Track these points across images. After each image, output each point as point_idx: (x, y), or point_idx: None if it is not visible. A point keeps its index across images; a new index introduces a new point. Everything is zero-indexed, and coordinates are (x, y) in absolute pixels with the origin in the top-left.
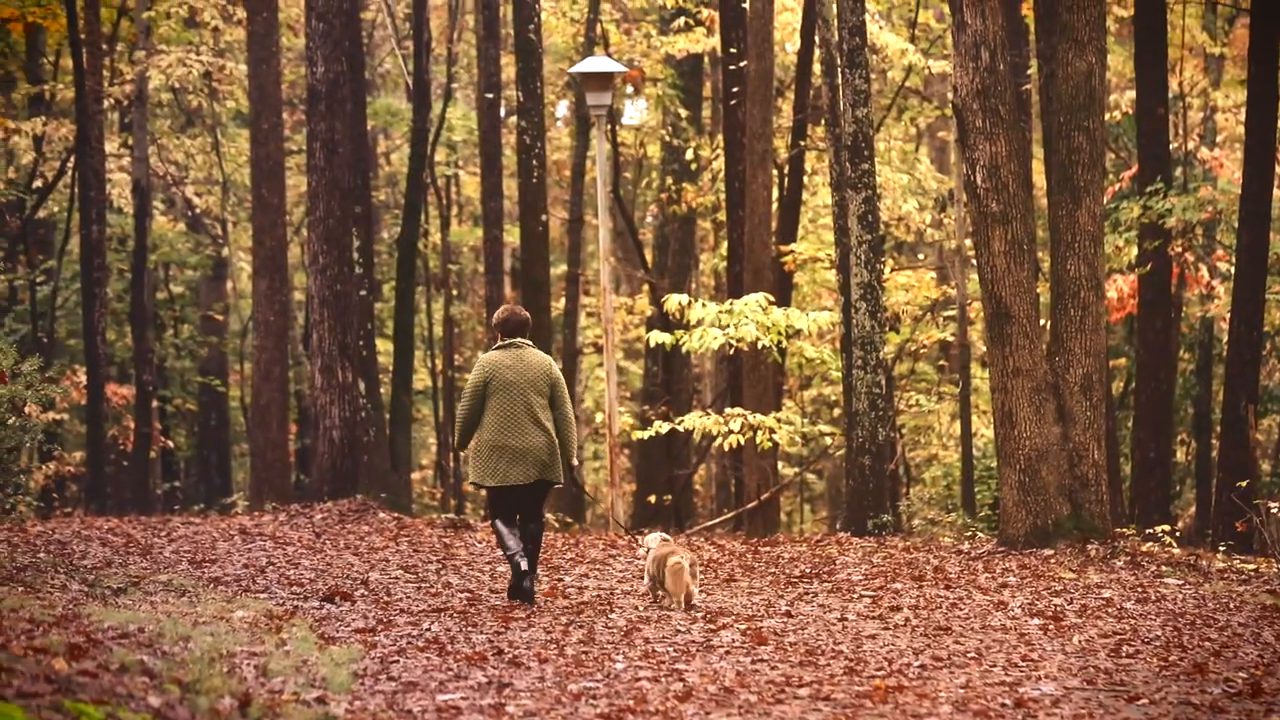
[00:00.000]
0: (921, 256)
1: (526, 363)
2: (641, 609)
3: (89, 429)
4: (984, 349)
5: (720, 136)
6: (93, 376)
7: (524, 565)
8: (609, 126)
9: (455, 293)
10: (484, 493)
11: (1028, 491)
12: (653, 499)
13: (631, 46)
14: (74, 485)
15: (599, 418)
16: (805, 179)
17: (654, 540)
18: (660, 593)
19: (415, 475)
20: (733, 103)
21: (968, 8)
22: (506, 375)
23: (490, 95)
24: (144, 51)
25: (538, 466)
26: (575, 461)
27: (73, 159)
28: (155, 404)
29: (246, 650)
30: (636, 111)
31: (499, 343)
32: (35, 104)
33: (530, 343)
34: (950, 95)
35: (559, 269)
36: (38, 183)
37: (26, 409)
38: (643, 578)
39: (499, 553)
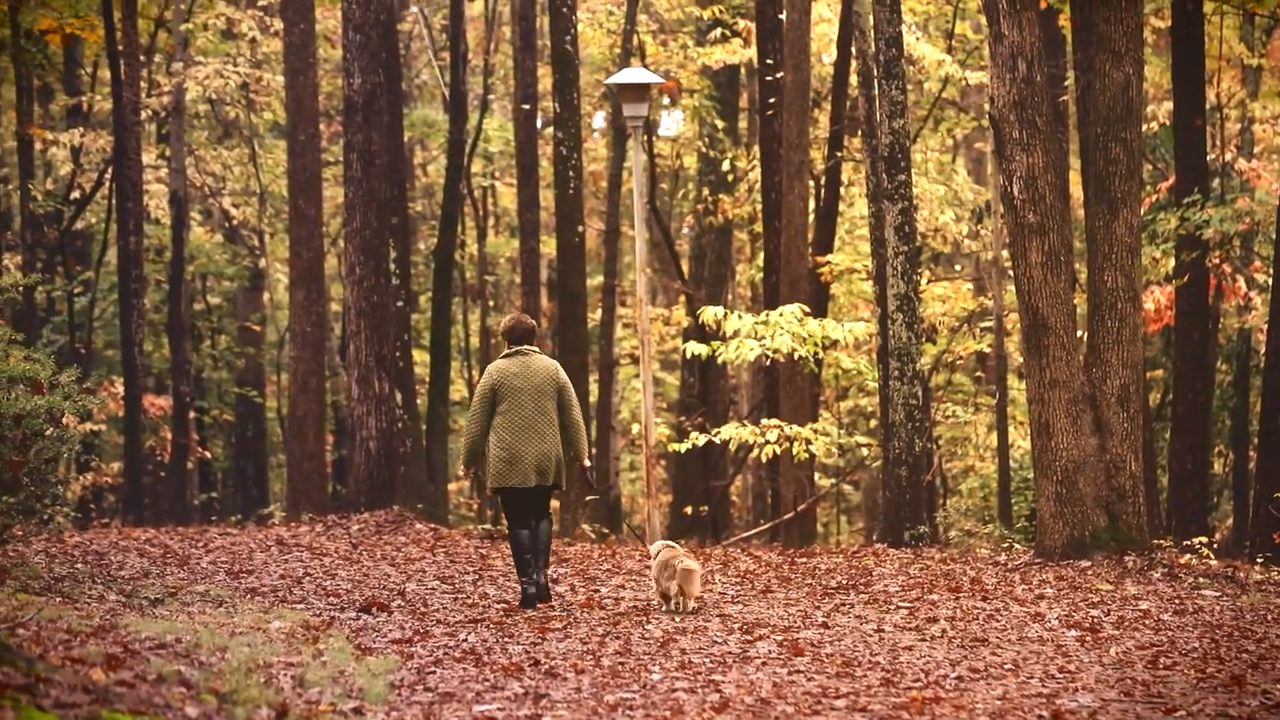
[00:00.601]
0: (958, 268)
1: (534, 369)
2: (677, 620)
3: (126, 440)
4: (1021, 360)
5: (757, 147)
6: (130, 387)
7: (532, 591)
8: (645, 138)
9: (492, 304)
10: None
11: (1065, 503)
12: (689, 510)
13: (668, 58)
14: (111, 496)
15: (635, 429)
16: (842, 190)
17: (657, 547)
18: (666, 595)
19: (451, 486)
20: (769, 114)
21: (1005, 19)
22: (515, 383)
23: (527, 106)
24: (181, 63)
25: (541, 472)
26: (588, 462)
27: (110, 170)
28: (192, 415)
29: (283, 661)
30: (673, 123)
31: (505, 351)
32: (73, 115)
33: (536, 349)
34: (987, 106)
35: (595, 280)
36: (75, 194)
37: (64, 420)
38: (651, 583)
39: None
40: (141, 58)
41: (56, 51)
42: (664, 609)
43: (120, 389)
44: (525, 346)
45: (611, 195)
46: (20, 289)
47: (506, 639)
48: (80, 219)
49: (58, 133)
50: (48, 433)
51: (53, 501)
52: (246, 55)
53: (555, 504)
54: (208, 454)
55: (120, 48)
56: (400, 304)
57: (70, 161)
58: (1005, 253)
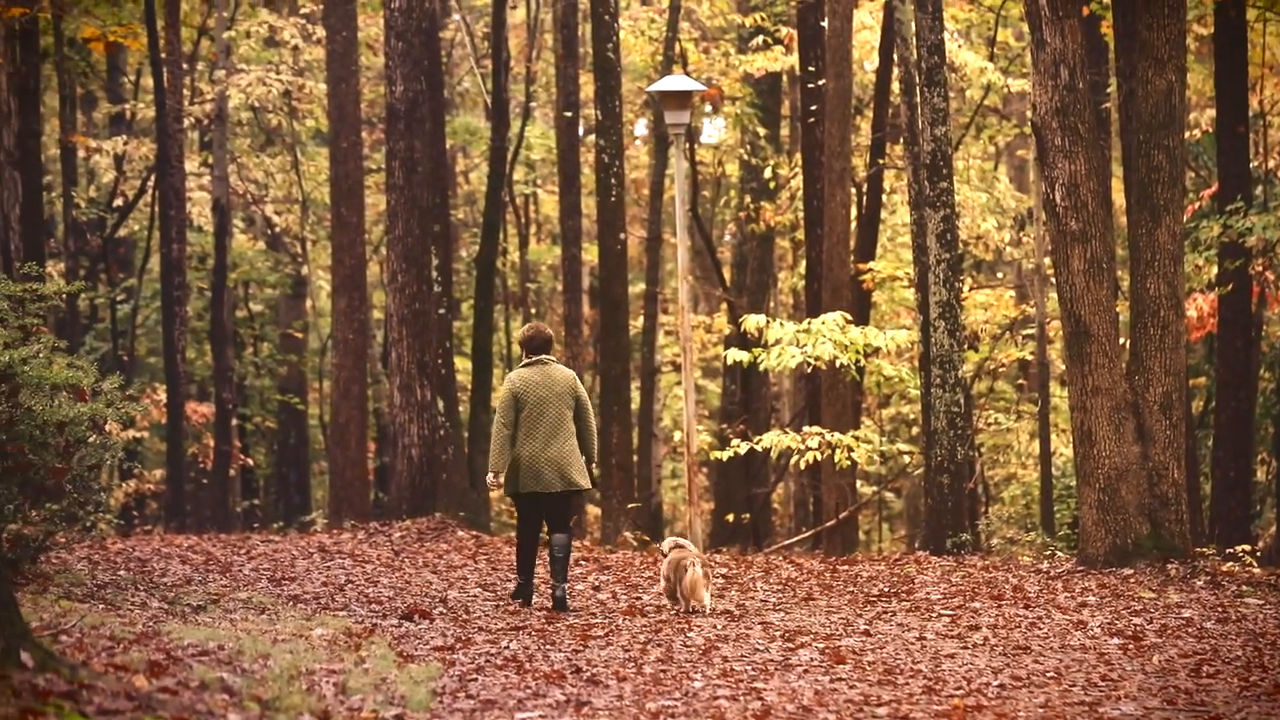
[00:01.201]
0: (1000, 275)
1: (553, 378)
2: (719, 626)
3: (169, 447)
4: (1063, 367)
5: (798, 155)
6: (173, 394)
7: (531, 595)
8: (687, 145)
9: (534, 311)
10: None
11: (1107, 510)
12: (731, 517)
13: (710, 65)
14: (154, 503)
15: (677, 436)
16: (884, 197)
17: (668, 544)
18: (674, 595)
19: (493, 493)
20: (811, 121)
21: (1047, 26)
22: (535, 391)
23: (569, 114)
24: (224, 71)
25: (565, 477)
26: (594, 469)
27: (153, 178)
28: (235, 422)
29: (325, 668)
30: (715, 130)
31: (525, 360)
32: (116, 123)
33: (554, 359)
34: (1029, 113)
35: (637, 287)
36: (118, 201)
37: (107, 427)
38: (660, 581)
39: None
40: (184, 65)
41: (100, 59)
42: (673, 608)
43: (163, 396)
44: (544, 356)
45: (653, 202)
46: (63, 296)
47: (548, 646)
48: (123, 226)
49: (101, 140)
50: (90, 440)
51: (95, 508)
52: (289, 63)
53: (597, 511)
54: (250, 461)
55: (163, 55)
56: (442, 311)
57: (113, 169)
58: (1047, 260)
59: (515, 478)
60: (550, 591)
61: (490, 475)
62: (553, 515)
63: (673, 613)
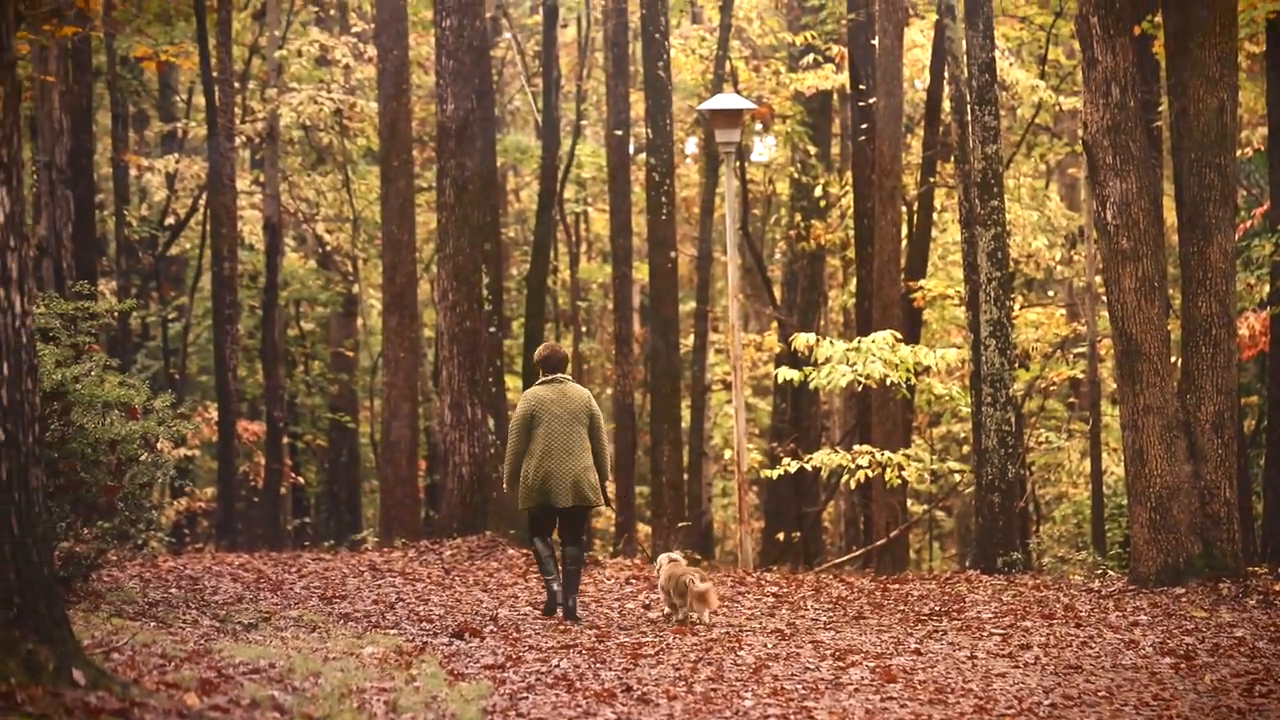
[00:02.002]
0: (1051, 293)
1: (568, 396)
2: (770, 645)
3: (220, 465)
4: (1114, 386)
5: (849, 173)
6: (224, 412)
7: (556, 588)
8: (738, 163)
9: (584, 329)
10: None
11: (1159, 529)
12: (781, 536)
13: (760, 83)
14: (205, 521)
15: (728, 454)
16: (934, 215)
17: (662, 560)
18: (675, 607)
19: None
20: (861, 139)
21: (1098, 44)
22: (551, 409)
23: (619, 132)
24: (275, 89)
25: (578, 492)
26: (609, 484)
27: (204, 196)
28: (286, 440)
29: (376, 686)
30: (765, 148)
31: (541, 379)
32: (168, 141)
33: (570, 377)
34: (1080, 132)
35: (688, 305)
36: (170, 220)
37: (159, 445)
38: (660, 595)
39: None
40: (236, 84)
41: (152, 78)
42: (673, 620)
43: (214, 414)
44: (559, 375)
45: (704, 221)
46: (115, 315)
47: (599, 665)
48: (175, 244)
49: (153, 159)
50: (142, 458)
51: (147, 526)
52: (340, 81)
53: (647, 530)
54: (301, 479)
55: (215, 74)
56: (493, 330)
57: (165, 187)
58: (1098, 278)
59: (529, 492)
60: (561, 602)
61: (506, 489)
62: (565, 529)
63: (671, 624)
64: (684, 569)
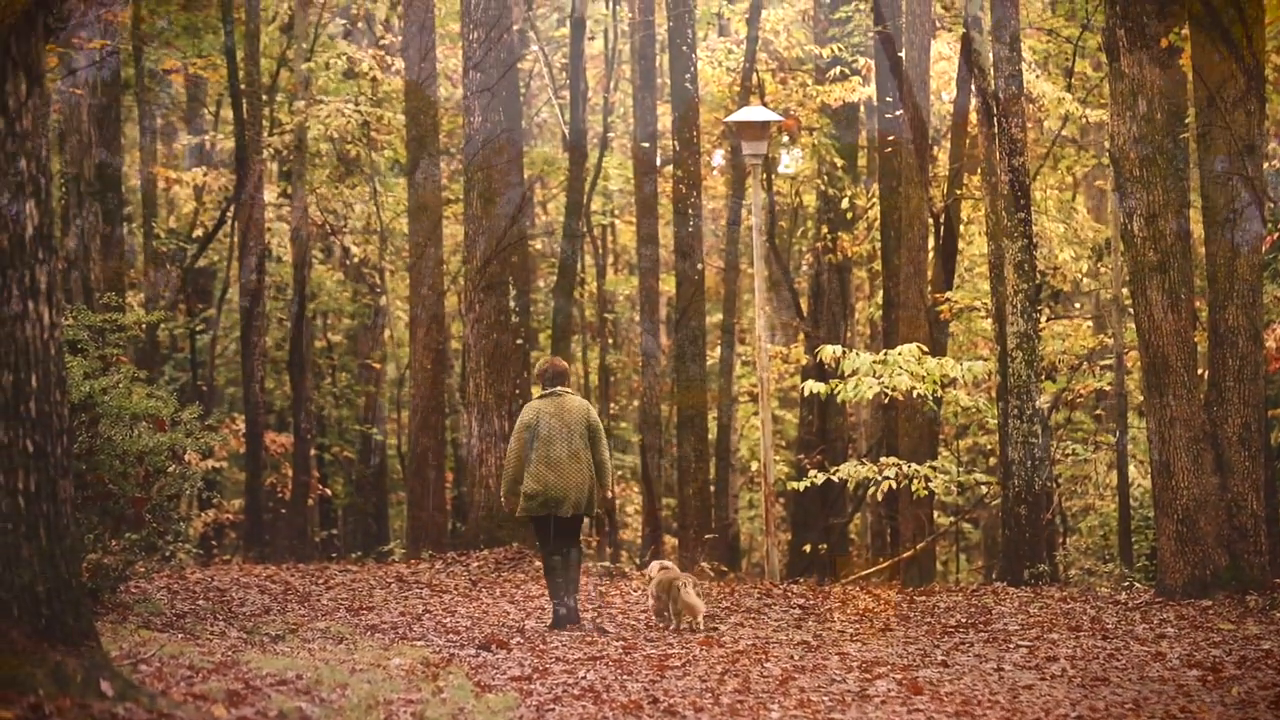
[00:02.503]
0: (1078, 306)
1: (567, 408)
2: (796, 657)
3: (248, 477)
4: (1141, 398)
5: (876, 185)
6: (251, 424)
7: (563, 612)
8: (764, 175)
9: (611, 341)
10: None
11: (1185, 542)
12: (808, 548)
13: (787, 96)
14: (233, 532)
15: (754, 466)
16: (961, 228)
17: (654, 568)
18: (667, 614)
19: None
20: (888, 151)
21: (1125, 57)
22: (550, 421)
23: (646, 144)
24: (303, 102)
25: (576, 501)
26: (610, 494)
27: (232, 208)
28: (313, 452)
29: (403, 698)
30: (792, 160)
31: (542, 391)
32: (196, 154)
33: (570, 390)
34: (1107, 144)
35: (714, 317)
36: (198, 232)
37: (186, 456)
38: (650, 600)
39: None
40: (263, 97)
41: (180, 91)
42: (660, 625)
43: (241, 426)
44: (559, 387)
45: (730, 232)
46: (143, 327)
47: (625, 676)
48: (202, 257)
49: (180, 171)
50: (170, 469)
51: (175, 538)
52: (367, 94)
53: (674, 541)
54: (328, 491)
55: (243, 87)
56: (520, 342)
57: (193, 199)
58: (1125, 290)
59: (528, 502)
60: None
61: (504, 497)
62: (563, 535)
63: (661, 630)
64: (675, 575)
